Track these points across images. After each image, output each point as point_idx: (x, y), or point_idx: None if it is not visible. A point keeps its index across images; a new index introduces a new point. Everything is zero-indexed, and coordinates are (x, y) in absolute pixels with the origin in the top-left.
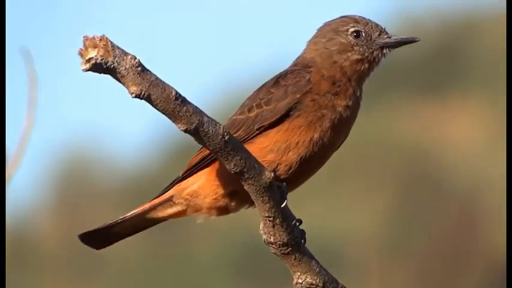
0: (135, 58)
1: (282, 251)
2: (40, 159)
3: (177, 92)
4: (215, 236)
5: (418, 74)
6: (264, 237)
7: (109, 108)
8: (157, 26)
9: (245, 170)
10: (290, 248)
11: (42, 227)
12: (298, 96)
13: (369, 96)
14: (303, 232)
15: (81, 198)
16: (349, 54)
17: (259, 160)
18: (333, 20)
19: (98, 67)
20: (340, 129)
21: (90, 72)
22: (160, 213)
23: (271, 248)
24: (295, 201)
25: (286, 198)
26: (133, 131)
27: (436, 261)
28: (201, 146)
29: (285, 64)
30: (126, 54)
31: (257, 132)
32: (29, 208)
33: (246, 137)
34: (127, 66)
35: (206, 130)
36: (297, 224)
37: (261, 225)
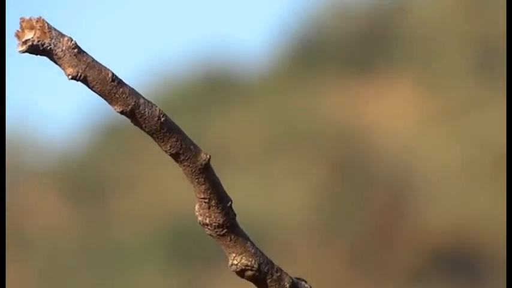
0: (72, 40)
1: (217, 233)
2: None
3: (113, 74)
4: (143, 217)
5: (348, 51)
6: (200, 218)
7: (38, 89)
8: (93, 7)
9: (181, 151)
10: (226, 230)
11: None
12: None
13: (298, 72)
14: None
15: (8, 178)
16: None
17: None
18: None
19: (34, 49)
20: None
21: (27, 54)
22: None
23: (207, 229)
24: (225, 181)
25: None
26: (62, 111)
27: (367, 243)
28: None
29: (218, 48)
30: (62, 36)
31: None
32: None
33: None
34: (63, 48)
35: (142, 112)
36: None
37: (197, 207)
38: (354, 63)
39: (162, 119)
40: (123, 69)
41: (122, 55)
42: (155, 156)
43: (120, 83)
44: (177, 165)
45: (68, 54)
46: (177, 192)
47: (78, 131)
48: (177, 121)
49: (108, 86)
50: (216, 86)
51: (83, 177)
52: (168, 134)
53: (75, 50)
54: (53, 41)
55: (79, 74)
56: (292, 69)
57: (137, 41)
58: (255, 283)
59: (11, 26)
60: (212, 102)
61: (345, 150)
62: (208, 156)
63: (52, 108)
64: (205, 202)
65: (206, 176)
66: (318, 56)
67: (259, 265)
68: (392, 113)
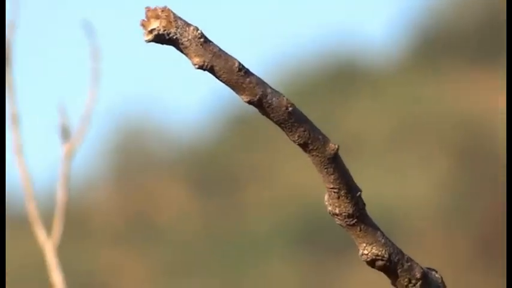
0: (198, 29)
1: (347, 223)
2: (98, 131)
3: (240, 63)
4: (271, 207)
5: (471, 41)
6: (329, 208)
7: (166, 79)
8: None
9: (309, 141)
10: (355, 220)
11: (99, 198)
12: None
13: (423, 63)
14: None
15: (137, 169)
16: None
17: None
18: None
19: (160, 38)
20: None
21: (153, 43)
22: None
23: (337, 219)
24: (353, 170)
25: None
26: (189, 101)
27: (496, 230)
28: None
29: (340, 40)
30: (188, 25)
31: None
32: (87, 179)
33: None
34: (189, 37)
35: (269, 101)
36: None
37: (326, 197)
38: (478, 54)
39: (290, 109)
40: (249, 59)
41: (247, 45)
42: (283, 146)
43: (247, 72)
44: (305, 154)
45: (194, 44)
46: (306, 182)
47: (205, 121)
48: (305, 111)
49: (235, 76)
50: (343, 76)
51: (211, 168)
52: (296, 124)
53: (202, 40)
54: (178, 30)
55: (206, 64)
56: (418, 59)
57: (263, 31)
58: (385, 273)
59: (136, 15)
60: (339, 92)
61: (471, 138)
62: (336, 146)
63: (179, 99)
64: (334, 192)
65: (335, 166)
66: (443, 46)
67: (389, 255)
68: None
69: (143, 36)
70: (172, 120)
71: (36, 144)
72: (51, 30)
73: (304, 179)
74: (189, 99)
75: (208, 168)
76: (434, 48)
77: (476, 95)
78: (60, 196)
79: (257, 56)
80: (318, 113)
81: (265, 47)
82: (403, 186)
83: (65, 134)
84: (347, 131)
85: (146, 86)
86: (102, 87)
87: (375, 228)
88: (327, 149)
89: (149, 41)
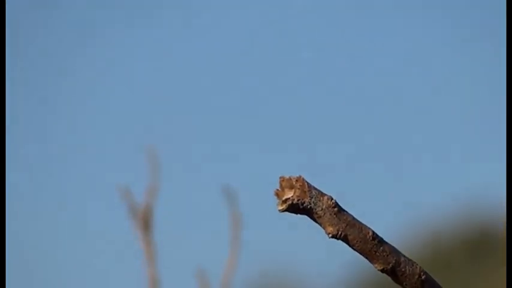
0: (332, 199)
1: None
2: None
3: (374, 232)
4: None
5: None
6: None
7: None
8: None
9: None
10: None
11: None
12: None
13: None
14: None
15: None
16: None
17: None
18: None
19: (294, 208)
20: None
21: (286, 213)
22: None
23: None
24: None
25: None
26: (322, 268)
27: None
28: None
29: (479, 206)
30: (322, 194)
31: None
32: None
33: None
34: (323, 207)
35: (403, 270)
36: None
37: None
38: None
39: (423, 277)
40: (383, 225)
41: (382, 208)
42: None
43: (381, 241)
44: None
45: (328, 213)
46: None
47: (340, 287)
48: (441, 281)
49: (369, 245)
50: (482, 245)
51: None
52: None
53: (335, 209)
54: (312, 199)
55: (339, 233)
56: None
57: (396, 194)
58: None
59: (271, 185)
60: (478, 262)
61: None
62: None
63: (313, 264)
64: None
65: None
66: None
67: None
68: None
69: (277, 205)
70: (309, 285)
71: None
72: (191, 194)
73: None
74: (326, 266)
75: None
76: None
77: None
78: None
79: (392, 221)
80: (456, 284)
81: (400, 211)
82: None
83: None
84: None
85: (281, 255)
86: (241, 254)
87: None
88: None
89: (283, 211)
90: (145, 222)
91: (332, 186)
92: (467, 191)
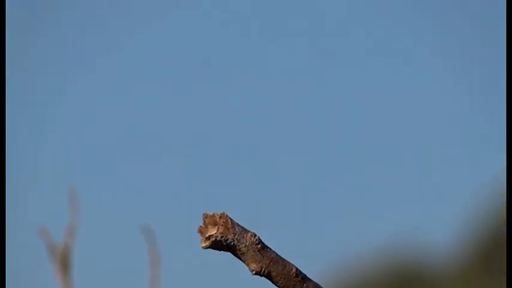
0: (255, 235)
1: None
2: None
3: (297, 269)
4: None
5: None
6: None
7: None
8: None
9: None
10: None
11: None
12: None
13: (488, 272)
14: None
15: None
16: None
17: None
18: None
19: (217, 244)
20: None
21: (210, 250)
22: None
23: None
24: None
25: None
26: None
27: None
28: None
29: (403, 244)
30: (246, 231)
31: None
32: None
33: None
34: (247, 244)
35: None
36: None
37: None
38: None
39: None
40: (307, 261)
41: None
42: None
43: (304, 278)
44: None
45: (252, 250)
46: None
47: None
48: None
49: (292, 281)
50: (403, 283)
51: None
52: None
53: (259, 246)
54: (236, 236)
55: (263, 270)
56: (482, 265)
57: (320, 231)
58: None
59: (195, 221)
60: None
61: None
62: None
63: None
64: None
65: None
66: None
67: None
68: None
69: (200, 242)
70: None
71: None
72: (109, 234)
73: None
74: None
75: None
76: (500, 255)
77: None
78: None
79: (316, 256)
80: None
81: (325, 247)
82: None
83: None
84: None
85: None
86: None
87: None
88: None
89: (206, 247)
90: (64, 262)
91: (256, 223)
92: (394, 234)
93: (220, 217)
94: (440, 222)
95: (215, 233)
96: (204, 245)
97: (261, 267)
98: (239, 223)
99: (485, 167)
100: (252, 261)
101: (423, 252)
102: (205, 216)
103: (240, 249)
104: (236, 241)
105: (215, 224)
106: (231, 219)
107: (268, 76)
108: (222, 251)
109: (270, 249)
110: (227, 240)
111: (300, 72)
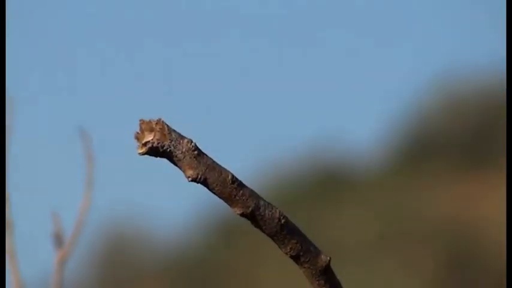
0: (192, 142)
1: None
2: (89, 239)
3: (233, 176)
4: None
5: (457, 146)
6: None
7: (154, 187)
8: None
9: (301, 253)
10: None
11: None
12: None
13: (408, 168)
14: None
15: (123, 276)
16: None
17: None
18: None
19: (154, 151)
20: None
21: (147, 156)
22: None
23: None
24: (339, 275)
25: None
26: (176, 211)
27: None
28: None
29: (329, 144)
30: (182, 138)
31: None
32: (77, 286)
33: None
34: (183, 150)
35: (262, 214)
36: None
37: None
38: (463, 159)
39: (283, 221)
40: (234, 166)
41: (231, 151)
42: (274, 257)
43: (240, 185)
44: (297, 266)
45: (188, 156)
46: None
47: (194, 231)
48: (291, 218)
49: (228, 188)
50: (328, 182)
51: (198, 277)
52: (288, 236)
53: (195, 152)
54: (172, 143)
55: (199, 176)
56: (403, 164)
57: (250, 137)
58: None
59: (131, 127)
60: (324, 199)
61: (456, 244)
62: (328, 258)
63: (169, 208)
64: None
65: (327, 278)
66: (428, 151)
67: None
68: (503, 208)
69: (137, 149)
70: (159, 228)
71: (30, 251)
72: (46, 136)
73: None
74: (179, 209)
75: (195, 278)
76: (419, 153)
77: (461, 200)
78: None
79: (243, 163)
80: (303, 221)
81: (252, 154)
82: None
83: (58, 241)
84: (332, 236)
85: (138, 195)
86: (96, 194)
87: None
88: (319, 261)
89: (143, 154)
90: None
91: (191, 129)
92: (318, 134)
93: (157, 123)
94: (364, 123)
95: (151, 139)
96: (140, 151)
97: (197, 174)
98: (175, 130)
99: (408, 65)
100: (189, 168)
101: (347, 152)
102: (142, 122)
103: (176, 156)
104: (172, 147)
105: (151, 130)
106: (167, 125)
107: None
108: (159, 158)
109: (207, 155)
110: (163, 146)
111: None
